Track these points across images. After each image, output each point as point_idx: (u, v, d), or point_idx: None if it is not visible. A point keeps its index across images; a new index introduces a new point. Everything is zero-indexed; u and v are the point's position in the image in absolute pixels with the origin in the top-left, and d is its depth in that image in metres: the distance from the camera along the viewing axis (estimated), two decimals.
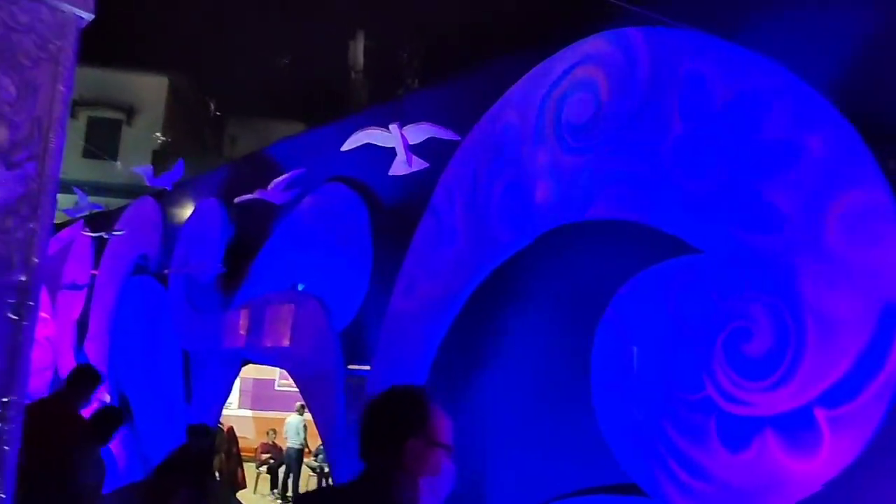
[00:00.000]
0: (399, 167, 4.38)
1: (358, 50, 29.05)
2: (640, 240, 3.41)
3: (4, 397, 2.09)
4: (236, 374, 7.09)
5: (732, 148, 3.14)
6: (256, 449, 14.25)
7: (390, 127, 4.27)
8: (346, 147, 4.59)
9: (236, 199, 6.06)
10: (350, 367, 5.44)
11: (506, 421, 4.08)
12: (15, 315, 2.07)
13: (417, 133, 4.16)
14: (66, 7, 2.33)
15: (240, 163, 8.02)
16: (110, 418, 5.44)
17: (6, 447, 2.12)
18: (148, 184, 6.90)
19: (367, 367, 5.18)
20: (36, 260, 2.15)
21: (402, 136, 4.20)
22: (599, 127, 3.64)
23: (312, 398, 5.66)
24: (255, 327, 6.28)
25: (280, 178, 5.65)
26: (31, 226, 2.14)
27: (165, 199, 8.55)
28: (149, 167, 6.96)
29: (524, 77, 4.17)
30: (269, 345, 6.02)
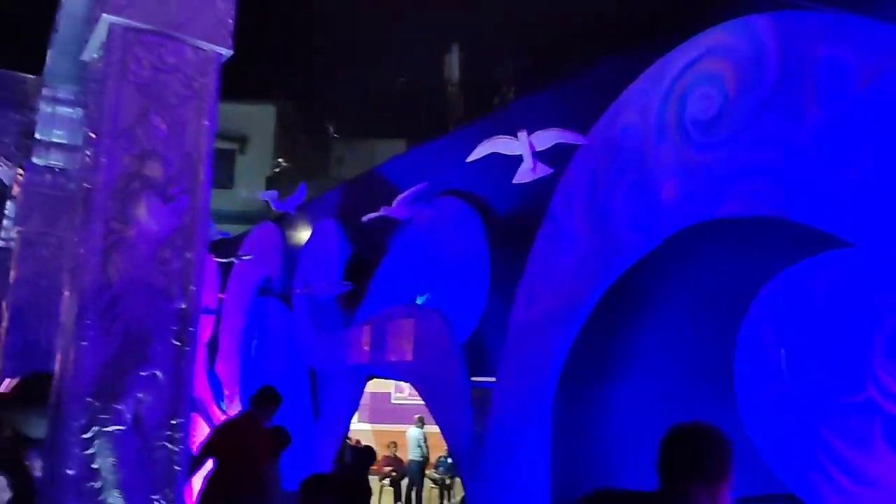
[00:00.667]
0: (524, 175, 4.33)
1: (453, 63, 29.23)
2: (780, 235, 3.24)
3: (173, 419, 2.21)
4: (362, 390, 7.24)
5: (879, 132, 2.94)
6: (378, 462, 14.48)
7: (518, 134, 4.23)
8: (472, 158, 4.58)
9: (364, 218, 6.13)
10: (474, 378, 5.44)
11: (643, 433, 3.96)
12: (178, 341, 2.19)
13: (545, 139, 4.11)
14: (208, 46, 2.46)
15: (353, 183, 8.22)
16: (283, 437, 5.83)
17: (177, 467, 2.23)
18: (274, 208, 7.18)
19: (492, 379, 5.16)
20: (193, 288, 2.26)
21: (530, 142, 4.15)
22: (728, 120, 3.50)
23: (439, 411, 5.68)
24: (379, 343, 6.39)
25: (404, 194, 5.72)
26: (187, 255, 2.25)
27: (285, 223, 8.87)
28: (274, 192, 7.24)
29: (641, 76, 4.07)
30: (393, 359, 6.11)
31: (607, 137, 4.23)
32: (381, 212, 5.80)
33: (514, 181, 4.40)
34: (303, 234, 8.35)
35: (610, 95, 4.38)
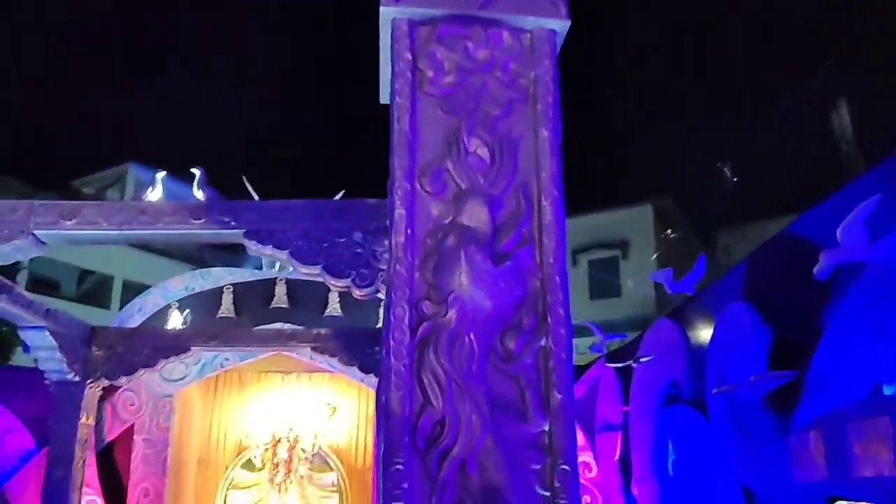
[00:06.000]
0: None
1: (843, 119, 25.85)
2: None
3: None
4: None
5: None
6: None
7: None
8: None
9: (816, 270, 4.46)
10: None
11: None
12: (546, 490, 1.30)
13: None
14: (533, 22, 1.65)
15: (760, 254, 6.80)
16: None
17: None
18: (669, 290, 6.16)
19: None
20: (560, 396, 1.37)
21: None
22: None
23: None
24: (838, 453, 4.79)
25: (852, 215, 4.15)
26: (542, 343, 1.40)
27: (681, 317, 7.74)
28: (668, 270, 6.22)
29: None
30: (865, 474, 4.46)
31: None
32: (825, 260, 4.33)
33: None
34: (707, 326, 7.13)
35: None
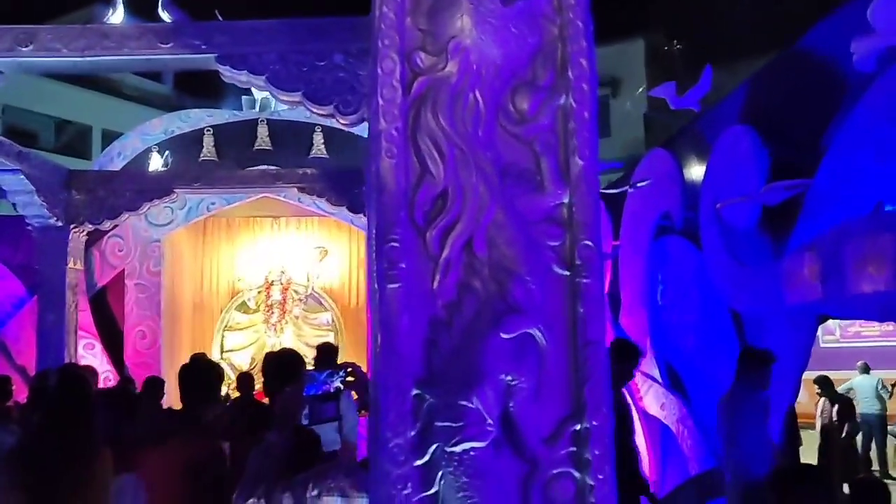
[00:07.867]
0: None
1: None
2: None
3: (577, 423, 1.18)
4: (811, 337, 5.62)
5: None
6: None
7: None
8: None
9: (857, 60, 3.82)
10: None
11: None
12: (565, 269, 1.15)
13: None
14: None
15: (762, 74, 6.48)
16: None
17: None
18: (672, 106, 5.89)
19: None
20: (581, 163, 1.19)
21: None
22: None
23: None
24: (832, 272, 4.73)
25: None
26: (560, 101, 1.20)
27: (676, 146, 7.54)
28: (670, 85, 5.91)
29: None
30: (862, 291, 4.42)
31: None
32: (861, 47, 3.90)
33: None
34: (703, 156, 6.95)
35: None
